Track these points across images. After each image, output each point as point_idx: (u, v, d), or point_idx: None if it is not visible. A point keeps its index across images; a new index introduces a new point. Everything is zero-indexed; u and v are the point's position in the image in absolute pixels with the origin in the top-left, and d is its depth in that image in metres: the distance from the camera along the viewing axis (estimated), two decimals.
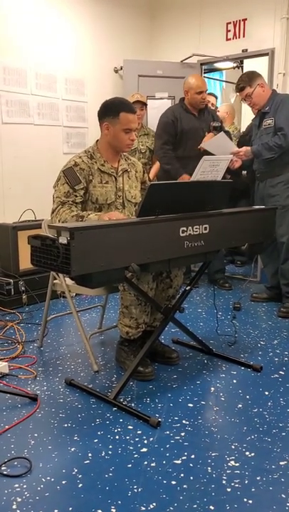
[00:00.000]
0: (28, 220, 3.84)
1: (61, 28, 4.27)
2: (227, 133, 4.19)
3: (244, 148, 3.57)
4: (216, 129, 3.97)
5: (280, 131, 3.33)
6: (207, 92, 3.95)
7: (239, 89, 3.50)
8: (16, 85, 3.95)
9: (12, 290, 3.56)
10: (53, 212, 2.40)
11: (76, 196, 2.42)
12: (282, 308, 3.48)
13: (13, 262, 3.65)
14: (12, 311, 3.50)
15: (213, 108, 4.97)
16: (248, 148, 3.55)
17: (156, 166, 4.43)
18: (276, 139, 3.34)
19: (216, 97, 5.16)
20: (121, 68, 4.76)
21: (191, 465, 1.73)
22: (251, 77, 3.47)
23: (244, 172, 4.21)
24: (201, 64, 4.78)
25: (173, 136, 3.87)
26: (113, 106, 2.48)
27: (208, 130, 3.96)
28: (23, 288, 3.59)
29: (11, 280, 3.57)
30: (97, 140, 2.60)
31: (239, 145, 4.01)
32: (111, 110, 2.47)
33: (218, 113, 4.82)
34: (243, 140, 4.27)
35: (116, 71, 4.81)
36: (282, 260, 3.49)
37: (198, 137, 3.84)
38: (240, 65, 5.23)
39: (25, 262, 3.61)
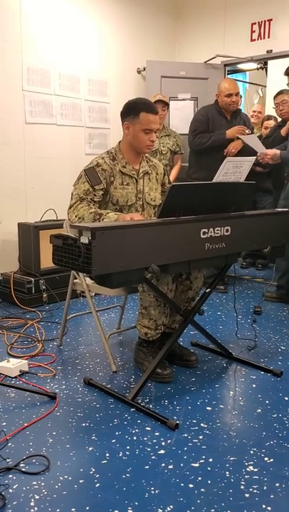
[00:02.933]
0: (50, 220, 3.88)
1: (85, 28, 4.30)
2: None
3: (272, 152, 3.53)
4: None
5: None
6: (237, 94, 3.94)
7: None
8: (40, 86, 3.99)
9: (33, 289, 3.60)
10: (70, 208, 2.41)
11: (95, 195, 2.43)
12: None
13: (35, 261, 3.68)
14: (32, 309, 3.53)
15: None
16: (277, 152, 3.51)
17: (178, 167, 4.43)
18: None
19: (241, 97, 5.11)
20: (144, 69, 4.77)
21: (208, 469, 1.71)
22: None
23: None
24: (225, 65, 4.75)
25: (206, 131, 3.90)
26: (134, 106, 2.47)
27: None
28: (43, 287, 3.62)
29: (32, 279, 3.61)
30: (120, 141, 2.61)
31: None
32: (132, 110, 2.47)
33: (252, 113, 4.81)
34: (265, 142, 4.25)
35: (139, 72, 4.82)
36: None
37: (227, 142, 3.83)
38: (264, 66, 5.19)
39: (46, 261, 3.64)
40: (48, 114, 4.09)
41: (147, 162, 2.66)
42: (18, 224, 3.83)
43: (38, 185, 4.07)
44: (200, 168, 3.90)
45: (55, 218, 3.92)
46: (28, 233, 3.71)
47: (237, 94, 3.94)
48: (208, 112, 3.95)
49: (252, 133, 4.12)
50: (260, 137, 4.59)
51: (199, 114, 4.00)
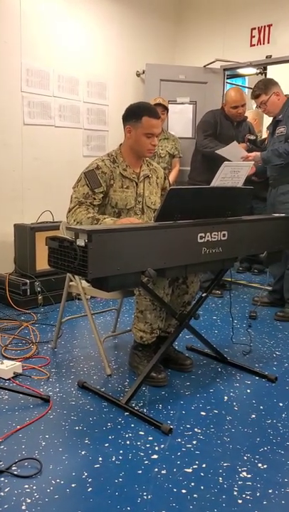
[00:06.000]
0: (46, 222, 3.87)
1: (84, 31, 4.30)
2: (262, 143, 4.20)
3: (254, 154, 3.63)
4: (249, 141, 4.03)
5: None
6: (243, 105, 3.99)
7: (255, 96, 3.55)
8: (39, 87, 3.99)
9: (28, 290, 3.58)
10: (69, 212, 2.41)
11: (94, 199, 2.42)
12: (279, 312, 3.53)
13: (30, 263, 3.67)
14: (27, 311, 3.52)
15: None
16: (258, 153, 3.59)
17: (176, 170, 4.43)
18: (286, 146, 3.37)
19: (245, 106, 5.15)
20: (143, 72, 4.77)
21: (202, 474, 1.70)
22: (267, 84, 3.50)
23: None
24: (224, 69, 4.76)
25: (214, 133, 3.95)
26: (137, 110, 2.48)
27: (242, 141, 4.00)
28: (38, 289, 3.61)
29: (27, 280, 3.59)
30: (121, 144, 2.60)
31: None
32: (134, 114, 2.47)
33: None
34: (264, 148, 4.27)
35: (138, 75, 4.83)
36: None
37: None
38: (264, 72, 5.20)
39: (41, 263, 3.63)
40: (46, 115, 4.08)
41: (148, 166, 2.66)
42: (15, 225, 3.82)
43: (35, 187, 4.06)
44: (206, 170, 3.91)
45: (52, 220, 3.91)
46: (24, 235, 3.70)
47: (243, 105, 3.98)
48: (216, 115, 4.00)
49: (256, 139, 4.17)
50: (262, 141, 4.62)
51: (208, 117, 4.03)
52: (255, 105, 3.72)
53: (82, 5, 4.25)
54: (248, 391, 2.37)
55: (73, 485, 1.62)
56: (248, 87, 6.89)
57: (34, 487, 1.60)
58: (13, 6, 3.77)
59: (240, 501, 1.57)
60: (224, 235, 2.16)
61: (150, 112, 2.46)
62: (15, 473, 1.66)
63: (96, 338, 2.55)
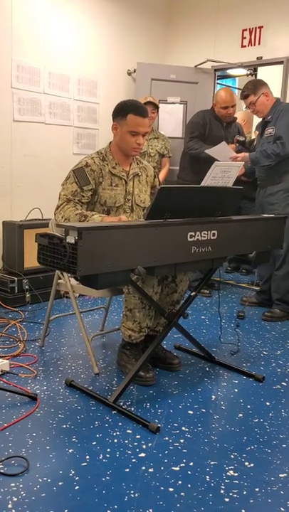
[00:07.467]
0: (35, 219, 3.85)
1: (76, 28, 4.28)
2: (251, 145, 4.21)
3: (242, 154, 3.65)
4: (239, 142, 4.05)
5: (278, 139, 3.38)
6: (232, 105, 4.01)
7: (243, 96, 3.57)
8: (29, 84, 3.96)
9: (16, 288, 3.56)
10: (57, 209, 2.39)
11: (83, 196, 2.41)
12: (266, 312, 3.55)
13: (18, 260, 3.64)
14: (15, 309, 3.50)
15: None
16: (246, 154, 3.61)
17: (166, 169, 4.44)
18: (274, 147, 3.39)
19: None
20: (134, 71, 4.77)
21: (189, 472, 1.71)
22: (256, 85, 3.52)
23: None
24: (215, 70, 4.78)
25: (202, 134, 3.96)
26: (124, 107, 2.46)
27: (232, 142, 4.03)
28: (26, 286, 3.59)
29: (15, 278, 3.56)
30: (110, 142, 2.59)
31: None
32: (120, 111, 2.46)
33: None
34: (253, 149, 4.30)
35: (129, 74, 4.82)
36: (277, 267, 3.54)
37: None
38: (254, 73, 5.22)
39: (30, 261, 3.60)
40: (36, 112, 4.06)
41: (137, 164, 2.66)
42: (3, 222, 3.79)
43: (24, 184, 4.03)
44: (193, 171, 3.91)
45: (41, 217, 3.89)
46: (13, 232, 3.67)
47: (233, 106, 4.01)
48: (206, 116, 4.02)
49: (245, 140, 4.19)
50: (251, 142, 4.64)
51: (197, 117, 4.05)
52: (245, 106, 3.74)
53: (74, 3, 4.23)
54: (236, 390, 2.38)
55: (60, 483, 1.61)
56: (239, 88, 6.92)
57: (21, 485, 1.59)
58: (5, 1, 3.74)
59: (226, 499, 1.58)
60: (214, 235, 2.17)
61: (136, 110, 2.43)
62: (1, 471, 1.65)
63: (84, 337, 2.54)
